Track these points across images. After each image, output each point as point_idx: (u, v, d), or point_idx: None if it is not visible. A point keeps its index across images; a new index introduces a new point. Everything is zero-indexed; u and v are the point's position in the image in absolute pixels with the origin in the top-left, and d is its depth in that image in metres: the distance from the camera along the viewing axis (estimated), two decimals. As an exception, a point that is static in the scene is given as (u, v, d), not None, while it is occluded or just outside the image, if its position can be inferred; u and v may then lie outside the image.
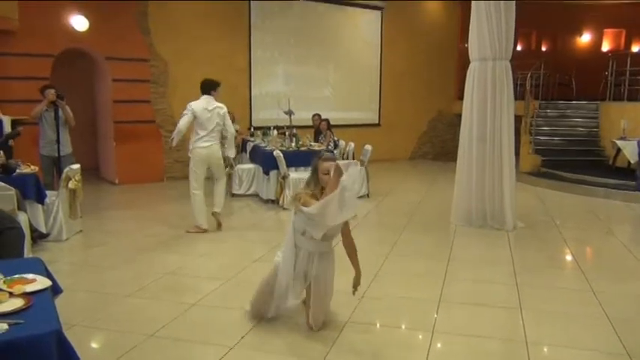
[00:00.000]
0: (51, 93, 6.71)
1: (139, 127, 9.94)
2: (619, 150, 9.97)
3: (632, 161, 9.45)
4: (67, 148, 6.99)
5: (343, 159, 9.31)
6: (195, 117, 6.31)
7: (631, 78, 11.60)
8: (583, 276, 5.03)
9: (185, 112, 6.35)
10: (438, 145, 14.64)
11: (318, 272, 3.72)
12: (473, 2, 6.75)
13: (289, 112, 9.23)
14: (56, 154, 6.83)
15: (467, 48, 7.02)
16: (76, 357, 2.01)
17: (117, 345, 3.45)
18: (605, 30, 16.46)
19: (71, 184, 6.03)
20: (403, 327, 3.91)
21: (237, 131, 10.50)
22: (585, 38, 16.60)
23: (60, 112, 6.81)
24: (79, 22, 9.07)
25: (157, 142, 10.20)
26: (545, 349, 3.54)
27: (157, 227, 6.75)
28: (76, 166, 6.22)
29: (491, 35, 6.56)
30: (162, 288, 4.56)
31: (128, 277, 4.83)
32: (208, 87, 6.53)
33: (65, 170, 6.10)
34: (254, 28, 11.32)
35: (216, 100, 6.54)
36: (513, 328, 3.86)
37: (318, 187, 3.67)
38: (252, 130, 10.59)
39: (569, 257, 5.89)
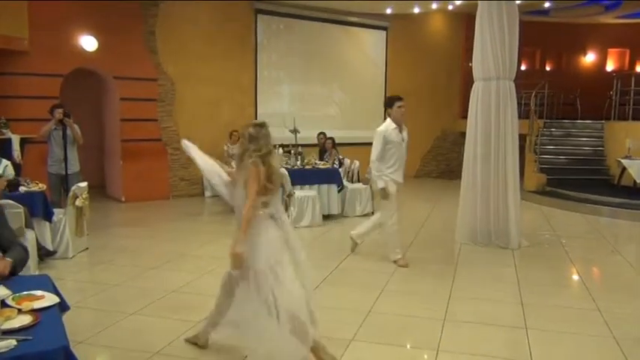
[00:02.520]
0: (58, 112, 6.81)
1: (146, 145, 10.02)
2: (624, 169, 9.98)
3: (637, 180, 9.46)
4: (74, 166, 7.06)
5: (348, 177, 9.37)
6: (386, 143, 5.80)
7: (635, 98, 11.63)
8: (589, 295, 5.01)
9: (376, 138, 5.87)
10: (443, 164, 14.67)
11: None
12: (477, 22, 6.83)
13: (295, 131, 9.32)
14: (64, 172, 6.90)
15: (471, 67, 7.09)
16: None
17: (122, 362, 3.47)
18: (610, 50, 16.55)
19: (78, 202, 6.08)
20: (408, 346, 3.91)
21: (242, 149, 10.62)
22: (590, 58, 16.68)
23: (68, 131, 6.89)
24: (88, 43, 9.21)
25: (163, 160, 10.28)
26: (551, 369, 3.53)
27: (163, 245, 6.78)
28: (84, 184, 6.29)
29: (495, 55, 6.63)
30: (167, 306, 4.58)
31: (134, 294, 4.85)
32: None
33: (72, 188, 6.16)
34: (260, 48, 11.46)
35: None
36: (519, 347, 3.85)
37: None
38: (257, 148, 10.64)
39: (574, 276, 5.88)
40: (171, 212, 9.26)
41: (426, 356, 3.67)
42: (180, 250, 6.50)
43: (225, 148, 10.57)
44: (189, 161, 10.51)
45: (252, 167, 3.30)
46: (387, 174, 5.88)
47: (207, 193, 10.67)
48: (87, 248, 6.36)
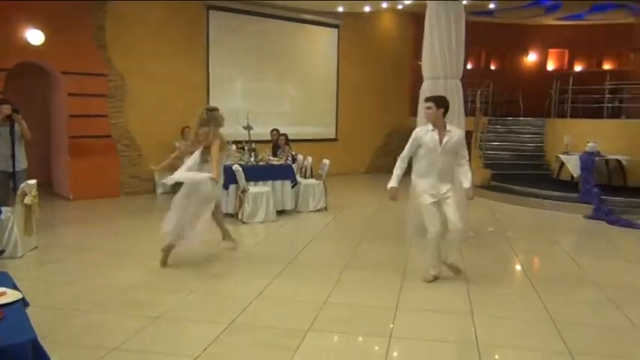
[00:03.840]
0: (6, 108, 6.61)
1: (95, 141, 9.83)
2: (563, 164, 10.52)
3: (574, 175, 9.98)
4: (22, 163, 6.86)
5: (301, 173, 9.49)
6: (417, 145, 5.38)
7: (573, 96, 12.26)
8: (530, 283, 5.33)
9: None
10: (394, 159, 14.93)
11: None
12: (426, 24, 7.07)
13: (248, 128, 9.34)
14: (11, 170, 6.70)
15: (420, 65, 7.33)
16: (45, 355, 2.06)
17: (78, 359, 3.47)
18: (550, 50, 17.31)
19: (27, 200, 5.95)
20: (362, 334, 4.06)
21: (195, 146, 10.56)
22: (531, 58, 17.39)
23: (16, 127, 6.70)
24: (34, 36, 8.95)
25: (113, 157, 10.11)
26: (495, 351, 3.77)
27: (115, 243, 6.72)
28: (33, 181, 6.14)
29: (442, 56, 6.89)
30: (123, 302, 4.58)
31: (88, 292, 4.81)
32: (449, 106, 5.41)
33: (21, 186, 6.02)
34: (212, 44, 11.42)
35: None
36: (465, 332, 4.08)
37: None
38: (210, 144, 10.60)
39: (517, 265, 6.21)
40: (121, 210, 9.13)
41: (379, 343, 3.83)
42: (132, 248, 6.46)
43: (177, 144, 10.42)
44: (140, 158, 10.47)
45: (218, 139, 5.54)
46: (416, 179, 5.48)
47: (159, 190, 10.56)
48: (36, 247, 6.22)
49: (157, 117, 10.56)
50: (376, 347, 3.79)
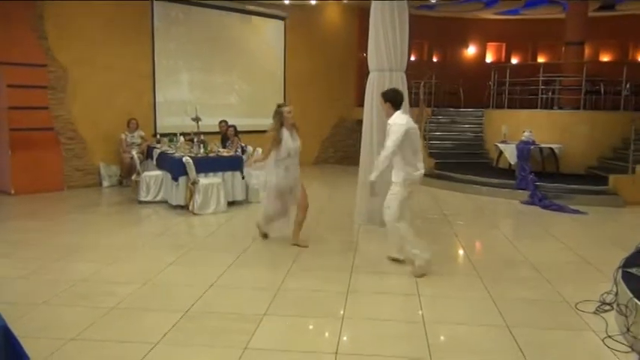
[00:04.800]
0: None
1: (37, 134, 9.55)
2: (501, 152, 11.05)
3: (511, 162, 10.52)
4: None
5: (251, 164, 9.56)
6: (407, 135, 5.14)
7: (510, 88, 12.86)
8: (471, 264, 5.67)
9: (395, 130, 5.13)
10: (341, 150, 15.26)
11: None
12: (371, 18, 7.29)
13: (196, 119, 9.34)
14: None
15: (365, 57, 7.56)
16: (23, 350, 2.12)
17: (37, 351, 3.47)
18: (488, 43, 17.98)
19: (-31, 195, 5.79)
20: (316, 316, 4.24)
21: (142, 137, 10.47)
22: (471, 50, 18.01)
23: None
24: (-32, 25, 8.61)
25: (56, 150, 9.85)
26: (440, 327, 4.04)
27: (63, 237, 6.61)
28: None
29: (387, 49, 7.13)
30: (77, 295, 4.57)
31: (40, 286, 4.77)
32: (401, 99, 5.41)
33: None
34: (157, 34, 11.24)
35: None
36: (413, 311, 4.34)
37: (278, 124, 6.14)
38: (157, 136, 10.53)
39: (459, 248, 6.56)
40: (67, 204, 8.93)
41: (332, 324, 4.03)
42: (81, 242, 6.38)
43: (123, 136, 10.33)
44: (84, 151, 10.26)
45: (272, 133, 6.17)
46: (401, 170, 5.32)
47: (105, 183, 10.41)
48: (-21, 243, 6.08)
49: (102, 108, 10.35)
50: (329, 328, 3.98)
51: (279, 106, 6.35)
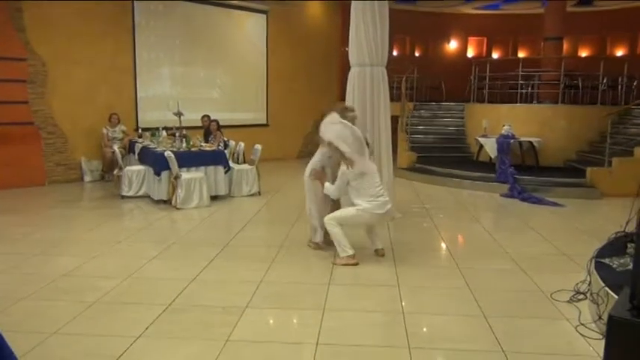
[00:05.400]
0: None
1: (16, 129, 9.47)
2: (481, 146, 11.20)
3: (492, 156, 10.66)
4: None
5: (234, 159, 9.59)
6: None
7: (491, 82, 13.01)
8: (450, 256, 5.79)
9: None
10: (324, 144, 15.29)
11: None
12: (352, 14, 7.33)
13: (179, 114, 9.32)
14: None
15: (348, 52, 7.61)
16: (6, 344, 2.14)
17: (18, 344, 3.45)
18: (470, 38, 18.16)
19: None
20: (298, 308, 4.31)
21: (123, 132, 10.42)
22: (453, 45, 18.17)
23: None
24: (-56, 18, 8.49)
25: (36, 144, 9.78)
26: (419, 317, 4.12)
27: (44, 232, 6.58)
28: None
29: (368, 45, 7.18)
30: (59, 289, 4.58)
31: (21, 280, 4.77)
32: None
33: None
34: (138, 29, 11.17)
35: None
36: (392, 302, 4.42)
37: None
38: (139, 131, 10.48)
39: (439, 241, 6.66)
40: (48, 199, 8.87)
41: (313, 315, 4.08)
42: (63, 237, 6.37)
43: (105, 131, 10.28)
44: (66, 145, 10.19)
45: None
46: None
47: (87, 178, 10.36)
48: (-41, 239, 6.04)
49: (83, 103, 10.28)
50: (310, 319, 4.04)
51: (346, 109, 5.96)
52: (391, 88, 12.30)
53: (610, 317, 2.46)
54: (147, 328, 3.78)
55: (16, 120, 9.50)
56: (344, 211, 5.58)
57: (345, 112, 5.83)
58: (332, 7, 14.71)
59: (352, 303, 4.38)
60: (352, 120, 5.80)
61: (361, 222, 5.59)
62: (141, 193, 8.68)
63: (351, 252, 5.38)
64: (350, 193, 5.45)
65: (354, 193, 5.41)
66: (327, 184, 5.58)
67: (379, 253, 5.67)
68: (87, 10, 10.26)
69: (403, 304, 4.34)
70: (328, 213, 5.66)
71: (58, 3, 9.81)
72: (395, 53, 16.58)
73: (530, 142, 10.79)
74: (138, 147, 9.34)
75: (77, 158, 10.36)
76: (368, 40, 7.17)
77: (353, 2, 7.31)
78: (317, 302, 4.34)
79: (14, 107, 9.47)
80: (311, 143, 14.96)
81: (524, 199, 8.96)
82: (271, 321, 4.08)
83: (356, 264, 5.33)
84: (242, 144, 9.86)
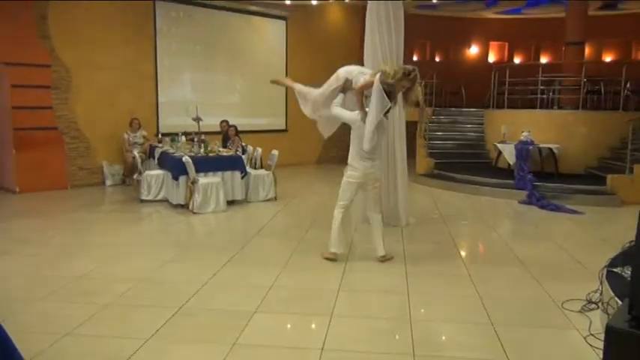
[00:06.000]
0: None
1: (41, 134, 9.72)
2: (500, 152, 11.10)
3: (510, 162, 10.57)
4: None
5: (251, 164, 9.69)
6: None
7: (512, 88, 12.88)
8: (462, 263, 5.76)
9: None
10: (343, 150, 15.25)
11: None
12: (367, 20, 7.38)
13: (197, 119, 9.46)
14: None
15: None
16: (12, 345, 2.23)
17: (33, 344, 3.60)
18: (491, 42, 18.00)
19: (-28, 193, 5.94)
20: (306, 313, 4.35)
21: (144, 137, 10.61)
22: (474, 50, 18.03)
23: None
24: (-27, 27, 8.78)
25: (59, 149, 10.01)
26: (426, 325, 4.13)
27: (63, 235, 6.76)
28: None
29: (383, 49, 7.22)
30: (74, 291, 4.70)
31: (38, 282, 4.90)
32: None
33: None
34: (160, 35, 11.37)
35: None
36: (400, 309, 4.42)
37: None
38: (159, 136, 10.66)
39: (452, 248, 6.62)
40: (70, 202, 9.08)
41: (321, 321, 4.12)
42: (82, 240, 6.53)
43: (126, 136, 10.48)
44: (88, 150, 10.42)
45: None
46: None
47: (108, 182, 10.56)
48: (-18, 240, 6.23)
49: (105, 108, 10.50)
50: (318, 325, 4.08)
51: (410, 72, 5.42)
52: (410, 93, 12.39)
53: (608, 328, 2.44)
54: (157, 331, 3.86)
55: (41, 125, 9.75)
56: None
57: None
58: (352, 11, 14.75)
59: (360, 309, 4.41)
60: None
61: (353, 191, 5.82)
62: (160, 197, 8.82)
63: (333, 250, 5.68)
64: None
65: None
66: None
67: (383, 260, 5.69)
68: (110, 16, 10.50)
69: (411, 311, 4.34)
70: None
71: (82, 11, 10.06)
72: (415, 58, 16.54)
73: (550, 149, 10.66)
74: (158, 152, 9.51)
75: (99, 162, 10.58)
76: (383, 45, 7.20)
77: (368, 7, 7.35)
78: (325, 308, 4.37)
79: (39, 112, 9.72)
80: (334, 148, 15.08)
81: (542, 207, 8.86)
82: (279, 325, 4.12)
83: (334, 260, 5.63)
84: (259, 149, 9.95)
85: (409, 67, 5.47)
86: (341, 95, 5.85)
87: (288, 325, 4.15)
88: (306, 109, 6.11)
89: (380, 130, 5.55)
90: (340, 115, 5.76)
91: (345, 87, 5.71)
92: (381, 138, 5.78)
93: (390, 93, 5.35)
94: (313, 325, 4.11)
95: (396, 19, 7.23)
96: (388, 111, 5.52)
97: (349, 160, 5.79)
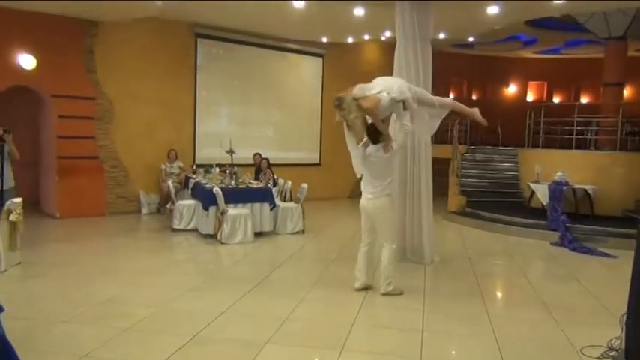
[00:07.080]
0: (-2, 129, 6.97)
1: (83, 162, 10.18)
2: (533, 192, 10.93)
3: (543, 203, 10.38)
4: (10, 182, 7.21)
5: (281, 197, 9.85)
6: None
7: (549, 128, 12.73)
8: (482, 302, 5.67)
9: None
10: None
11: None
12: (395, 56, 7.55)
13: (230, 152, 9.74)
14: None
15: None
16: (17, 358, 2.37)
17: (51, 364, 3.77)
18: (530, 82, 17.92)
19: (12, 217, 6.27)
20: (316, 346, 4.37)
21: (180, 168, 10.96)
22: (512, 89, 17.98)
23: (5, 147, 7.05)
24: (26, 61, 9.37)
25: (99, 177, 10.44)
26: (436, 364, 4.10)
27: (97, 260, 7.02)
28: (18, 199, 6.48)
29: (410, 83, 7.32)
30: (96, 315, 4.88)
31: (65, 305, 5.11)
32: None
33: (7, 204, 6.34)
34: (199, 69, 11.84)
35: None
36: (412, 346, 4.40)
37: None
38: (194, 167, 10.99)
39: (474, 287, 6.53)
40: (106, 228, 9.42)
41: (330, 355, 4.14)
42: (113, 265, 6.77)
43: (163, 167, 10.85)
44: (126, 179, 10.81)
45: None
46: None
47: (144, 211, 10.89)
48: (20, 262, 6.51)
49: (144, 139, 10.93)
50: (327, 358, 4.10)
51: None
52: (445, 131, 12.40)
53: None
54: (169, 357, 3.96)
55: (84, 154, 10.22)
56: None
57: None
58: (386, 49, 14.93)
59: (371, 345, 4.42)
60: None
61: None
62: (190, 226, 9.05)
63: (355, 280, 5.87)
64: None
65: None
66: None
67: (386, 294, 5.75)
68: (152, 50, 11.01)
69: (423, 350, 4.31)
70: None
71: (125, 45, 10.59)
72: (451, 96, 16.58)
73: (585, 190, 10.43)
74: (191, 183, 9.80)
75: (136, 191, 10.96)
76: (410, 79, 7.31)
77: (396, 50, 7.52)
78: (337, 341, 4.39)
79: (82, 142, 10.21)
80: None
81: (574, 249, 8.64)
82: (288, 357, 4.16)
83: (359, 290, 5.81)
84: (289, 182, 10.12)
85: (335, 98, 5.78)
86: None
87: (297, 358, 4.18)
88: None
89: (367, 165, 5.94)
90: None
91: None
92: (371, 173, 5.95)
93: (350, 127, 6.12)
94: (322, 358, 4.13)
95: (424, 56, 7.37)
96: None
97: None
